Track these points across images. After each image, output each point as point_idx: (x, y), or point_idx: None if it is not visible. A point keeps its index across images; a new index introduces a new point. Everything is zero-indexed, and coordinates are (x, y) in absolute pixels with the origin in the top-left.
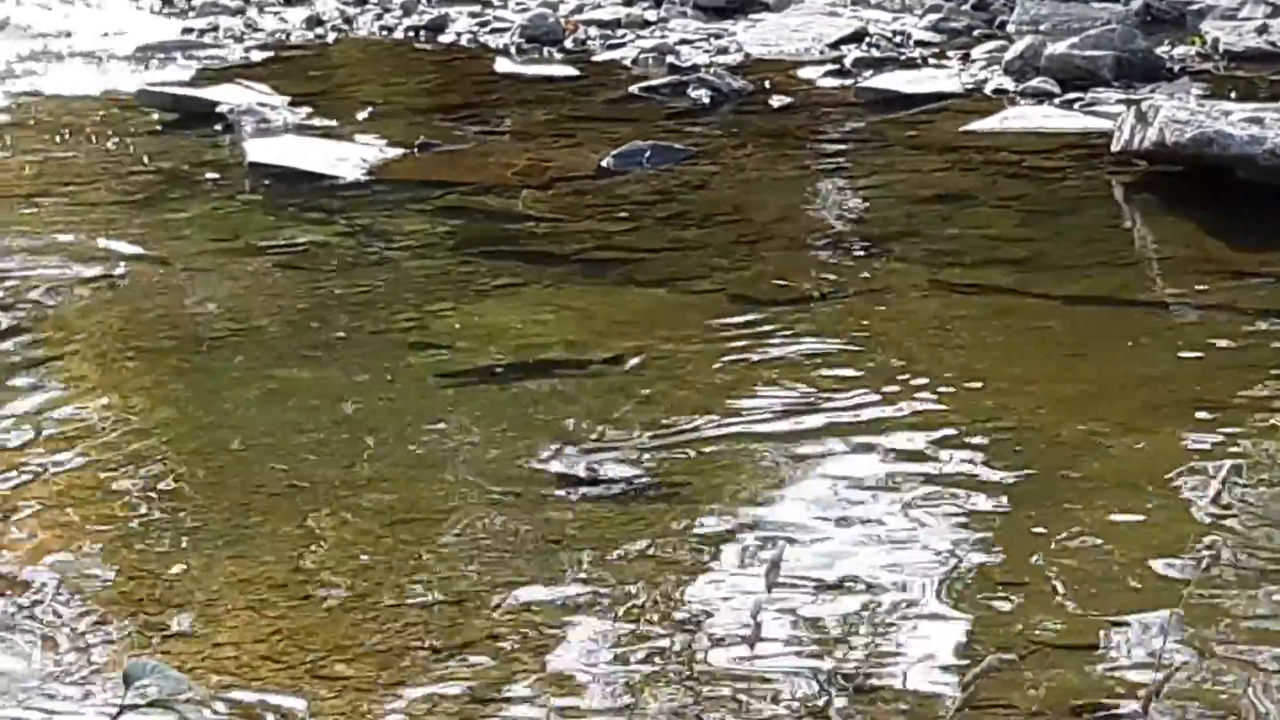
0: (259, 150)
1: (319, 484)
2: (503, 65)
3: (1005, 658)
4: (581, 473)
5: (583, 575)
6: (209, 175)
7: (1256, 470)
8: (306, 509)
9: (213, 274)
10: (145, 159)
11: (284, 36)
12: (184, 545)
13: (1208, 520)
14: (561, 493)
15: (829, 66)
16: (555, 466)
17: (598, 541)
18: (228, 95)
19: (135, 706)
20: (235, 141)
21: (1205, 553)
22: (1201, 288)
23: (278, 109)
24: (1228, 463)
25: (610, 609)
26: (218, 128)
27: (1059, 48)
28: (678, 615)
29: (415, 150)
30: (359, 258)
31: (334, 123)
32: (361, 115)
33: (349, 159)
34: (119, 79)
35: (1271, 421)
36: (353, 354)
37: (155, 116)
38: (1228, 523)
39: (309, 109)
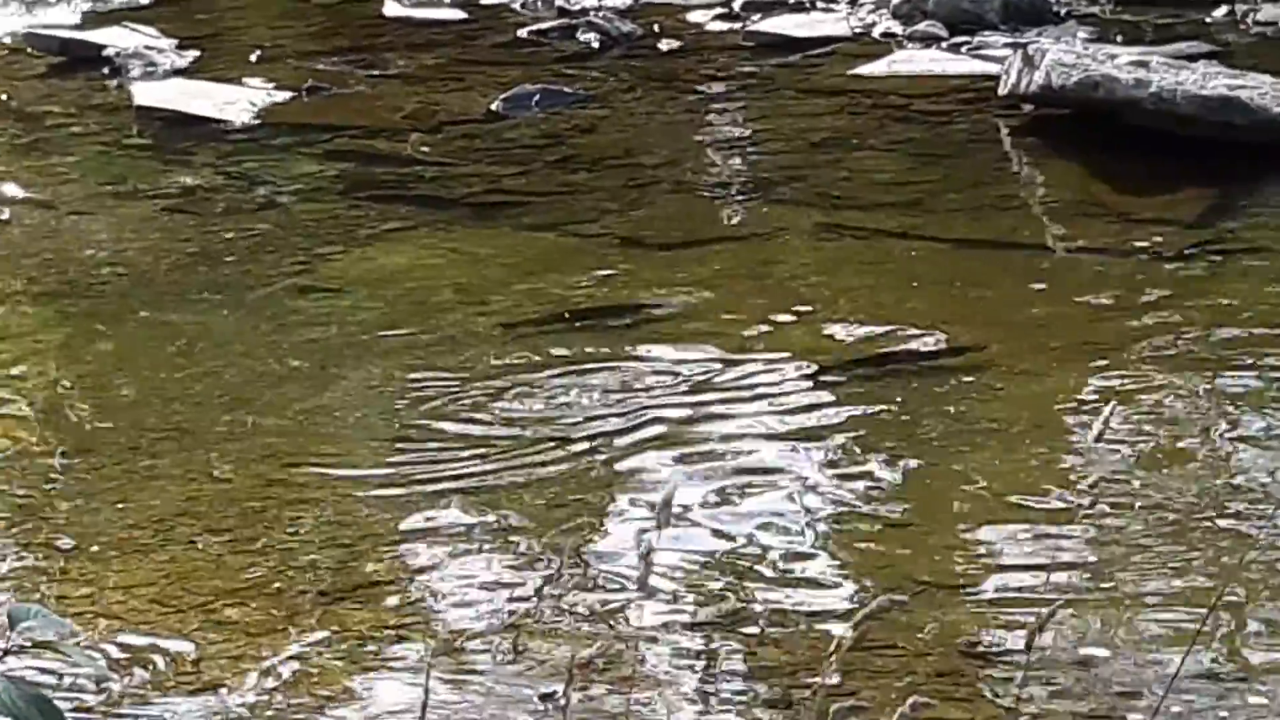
0: (146, 94)
1: (207, 428)
2: (391, 8)
3: (896, 598)
4: (470, 428)
5: (470, 520)
6: (96, 119)
7: (1139, 410)
8: (195, 453)
9: (100, 218)
10: (31, 103)
11: None
12: (72, 489)
13: (1092, 460)
14: (450, 439)
15: (718, 10)
16: (443, 418)
17: (482, 489)
18: (115, 38)
19: (19, 649)
20: (122, 85)
21: (1088, 492)
22: (1088, 230)
23: (165, 52)
24: (1110, 403)
25: (498, 550)
26: (105, 71)
27: None
28: (568, 556)
29: (303, 94)
30: (247, 202)
31: (222, 66)
32: (250, 59)
33: (237, 103)
34: (4, 22)
35: (1155, 362)
36: (241, 298)
37: (41, 60)
38: (1110, 462)
39: (197, 52)
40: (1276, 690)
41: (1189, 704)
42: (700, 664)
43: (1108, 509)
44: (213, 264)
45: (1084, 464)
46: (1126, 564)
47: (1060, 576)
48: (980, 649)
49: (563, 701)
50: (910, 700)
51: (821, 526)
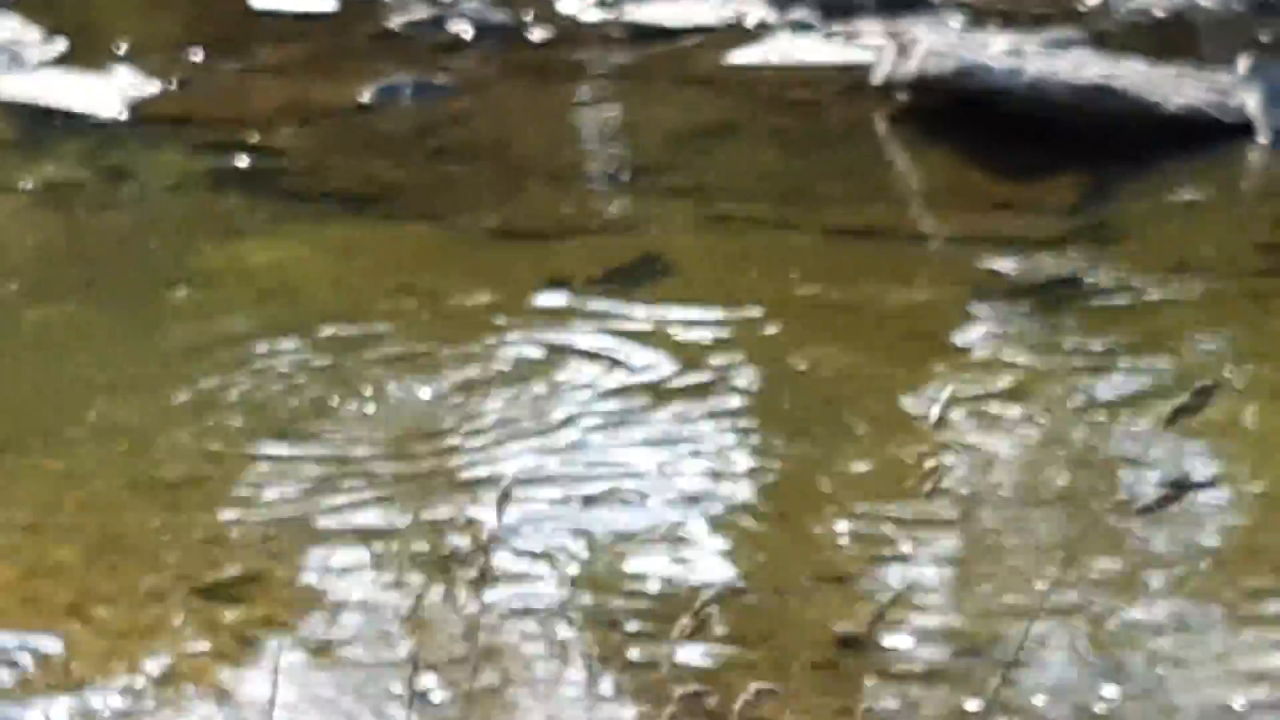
0: (11, 87)
1: (76, 424)
2: (259, 0)
3: (736, 587)
4: (343, 422)
5: (346, 515)
6: None
7: (1009, 399)
8: (63, 449)
9: None
10: None
11: None
12: None
13: (945, 448)
14: (322, 434)
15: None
16: (315, 413)
17: (356, 484)
18: None
19: None
20: None
21: (932, 478)
22: (962, 218)
23: (31, 45)
24: (949, 387)
25: (371, 545)
26: None
27: None
28: (433, 554)
29: (174, 86)
30: (116, 196)
31: (90, 59)
32: (118, 51)
33: (106, 95)
34: None
35: (1028, 350)
36: (110, 293)
37: None
38: (954, 448)
39: (64, 45)
40: (1123, 668)
41: (1035, 684)
42: (567, 657)
43: (967, 496)
44: (80, 259)
45: (942, 453)
46: (984, 550)
47: (926, 566)
48: (856, 640)
49: (434, 697)
50: (753, 687)
51: (693, 520)
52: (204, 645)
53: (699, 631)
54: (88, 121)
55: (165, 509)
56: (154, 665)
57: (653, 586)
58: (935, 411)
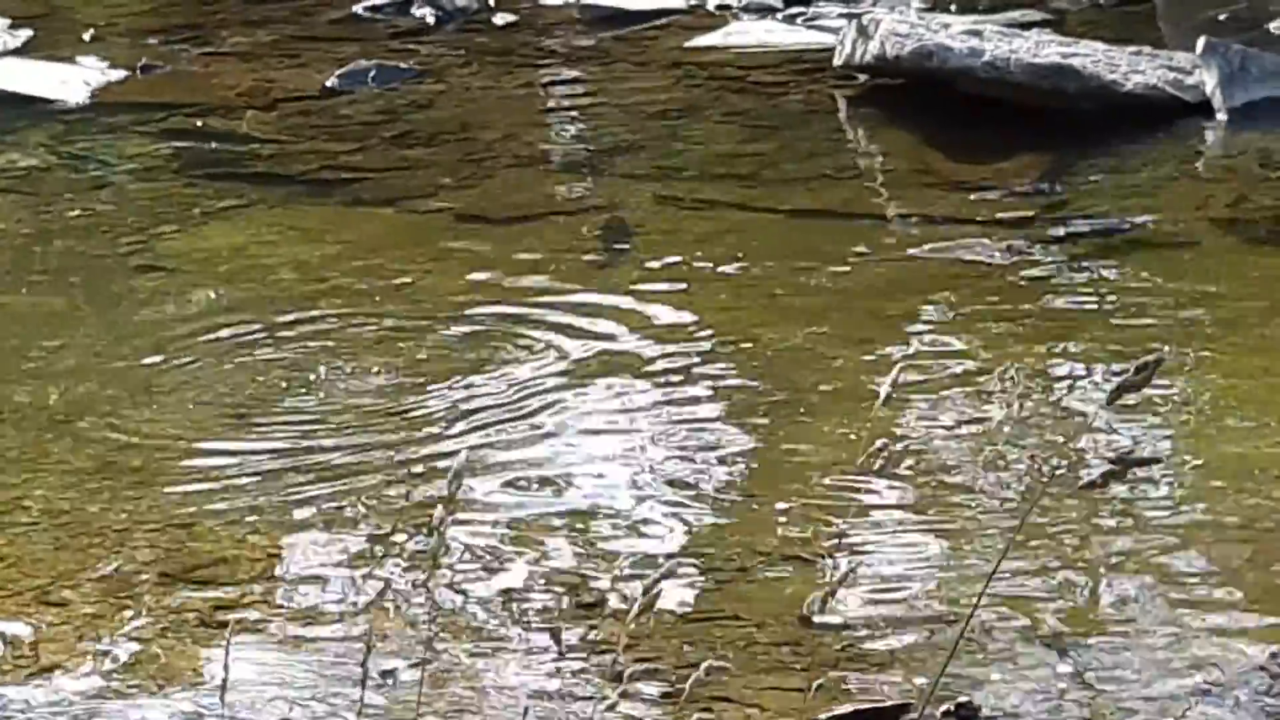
0: None
1: (44, 410)
2: None
3: (691, 563)
4: (310, 406)
5: (308, 500)
6: None
7: (971, 375)
8: (31, 435)
9: None
10: None
11: None
12: None
13: (899, 423)
14: (290, 417)
15: None
16: (283, 396)
17: (323, 467)
18: None
19: None
20: None
21: (881, 455)
22: (923, 199)
23: None
24: (899, 365)
25: (339, 528)
26: None
27: None
28: (389, 532)
29: (138, 72)
30: (82, 181)
31: (55, 46)
32: (83, 37)
33: (71, 82)
34: None
35: (979, 328)
36: (77, 279)
37: None
38: (906, 425)
39: (29, 32)
40: (1072, 643)
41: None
42: (521, 634)
43: (918, 472)
44: (48, 244)
45: (895, 430)
46: (934, 526)
47: (877, 543)
48: (819, 617)
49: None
50: (705, 664)
51: (661, 499)
52: (173, 630)
53: (652, 608)
54: (54, 108)
55: (135, 491)
56: (122, 650)
57: (609, 563)
58: (886, 388)
